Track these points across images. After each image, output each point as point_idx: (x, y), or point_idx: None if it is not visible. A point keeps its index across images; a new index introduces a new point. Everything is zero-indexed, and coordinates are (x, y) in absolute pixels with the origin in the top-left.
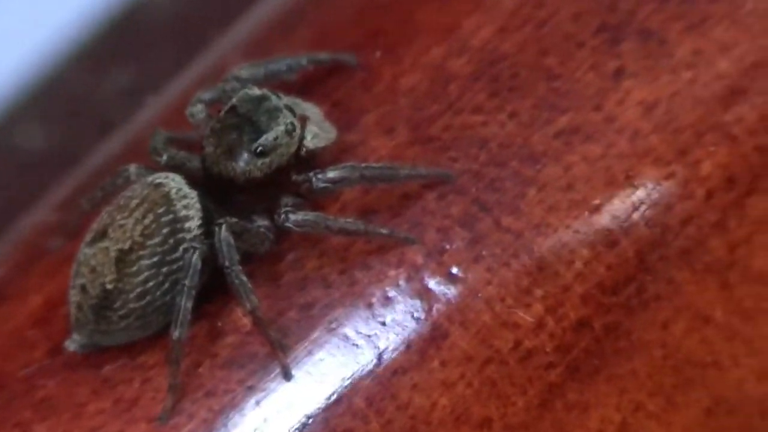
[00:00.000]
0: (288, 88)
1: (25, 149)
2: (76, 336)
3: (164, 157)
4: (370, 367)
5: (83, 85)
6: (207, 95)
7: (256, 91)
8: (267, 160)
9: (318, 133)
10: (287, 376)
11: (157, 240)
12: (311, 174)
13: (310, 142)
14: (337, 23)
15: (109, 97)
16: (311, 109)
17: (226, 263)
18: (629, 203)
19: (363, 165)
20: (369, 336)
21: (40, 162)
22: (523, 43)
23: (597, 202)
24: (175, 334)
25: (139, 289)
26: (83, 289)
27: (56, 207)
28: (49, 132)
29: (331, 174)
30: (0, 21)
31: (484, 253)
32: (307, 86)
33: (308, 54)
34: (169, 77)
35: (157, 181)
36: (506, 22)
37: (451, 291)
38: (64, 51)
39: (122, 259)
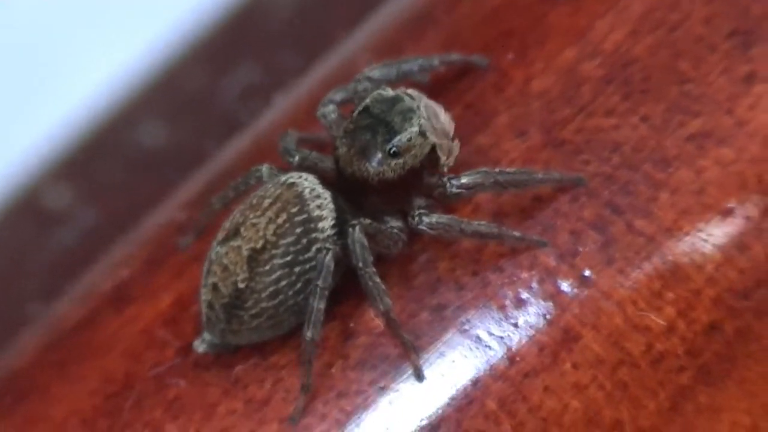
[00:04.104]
0: (419, 89)
1: (147, 147)
2: (206, 335)
3: (296, 158)
4: (502, 368)
5: (204, 82)
6: (339, 96)
7: (389, 92)
8: (400, 161)
9: (450, 146)
10: (420, 377)
11: (290, 239)
12: (445, 179)
13: (447, 161)
14: (467, 24)
15: (231, 94)
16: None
17: (360, 264)
18: (762, 207)
19: (497, 170)
20: (501, 338)
21: (162, 160)
22: (656, 47)
23: (729, 206)
24: (308, 334)
25: (271, 289)
26: (215, 287)
27: (183, 206)
28: (170, 130)
29: (465, 179)
30: (121, 18)
31: (616, 256)
32: (438, 87)
33: (440, 55)
34: (290, 74)
35: (291, 180)
36: (638, 25)
37: (583, 293)
38: (185, 47)
39: (255, 258)
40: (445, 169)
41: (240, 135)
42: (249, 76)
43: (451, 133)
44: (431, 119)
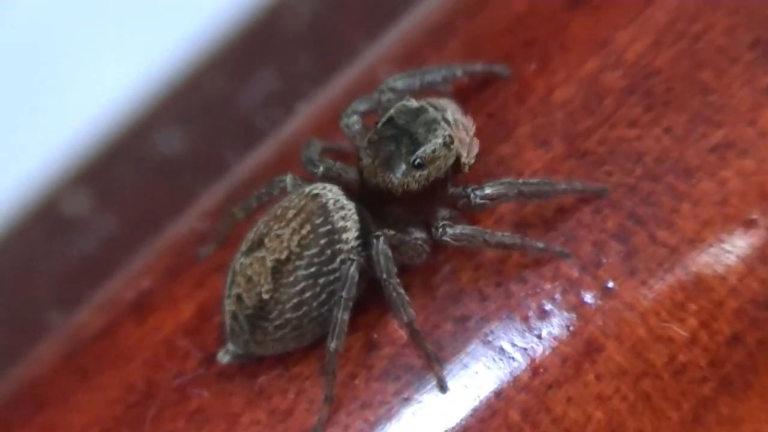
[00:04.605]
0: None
1: (166, 155)
2: (230, 346)
3: (320, 168)
4: (526, 380)
5: (224, 89)
6: (362, 106)
7: (413, 103)
8: (425, 172)
9: (470, 142)
10: (443, 388)
11: (314, 251)
12: (469, 189)
13: (468, 159)
14: (489, 34)
15: (250, 102)
16: (450, 106)
17: (384, 276)
18: None
19: (521, 181)
20: (525, 349)
21: (181, 168)
22: (678, 58)
23: (751, 217)
24: (332, 345)
25: (295, 300)
26: (239, 298)
27: (205, 215)
28: (189, 137)
29: (489, 190)
30: (141, 25)
31: (639, 267)
32: (460, 97)
33: (462, 65)
34: (309, 82)
35: (315, 191)
36: (660, 36)
37: (606, 305)
38: (205, 54)
39: (279, 269)
40: (467, 169)
41: (262, 144)
42: (268, 84)
43: (471, 130)
44: (453, 114)
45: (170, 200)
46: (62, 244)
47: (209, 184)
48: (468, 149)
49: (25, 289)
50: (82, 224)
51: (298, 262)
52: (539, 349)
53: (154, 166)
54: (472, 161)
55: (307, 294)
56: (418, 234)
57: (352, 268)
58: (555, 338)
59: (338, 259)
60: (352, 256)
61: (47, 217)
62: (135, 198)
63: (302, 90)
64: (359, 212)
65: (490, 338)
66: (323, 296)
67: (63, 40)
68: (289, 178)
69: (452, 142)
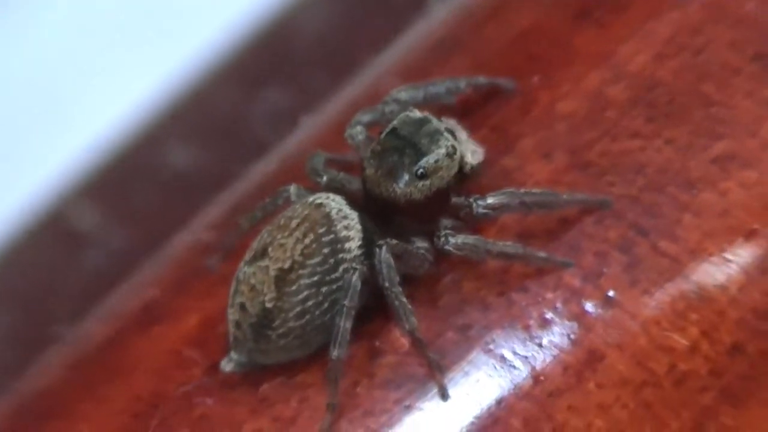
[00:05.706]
0: (445, 112)
1: (175, 169)
2: (234, 355)
3: (324, 179)
4: (527, 388)
5: (232, 104)
6: (366, 117)
7: (417, 114)
8: (427, 182)
9: (475, 149)
10: (444, 396)
11: (317, 260)
12: (471, 199)
13: (471, 159)
14: (494, 48)
15: (258, 116)
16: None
17: (387, 284)
18: None
19: (523, 191)
20: (526, 357)
21: (190, 181)
22: (680, 70)
23: (753, 227)
24: (335, 353)
25: (298, 308)
26: (242, 307)
27: (211, 226)
28: (198, 151)
29: (491, 200)
30: (150, 40)
31: (641, 277)
32: (464, 110)
33: (467, 77)
34: (317, 97)
35: (318, 201)
36: (663, 49)
37: (608, 314)
38: (213, 70)
39: (282, 278)
40: (469, 168)
41: (268, 156)
42: (277, 98)
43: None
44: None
45: (179, 214)
46: (72, 258)
47: (216, 197)
48: (470, 154)
49: (36, 303)
50: (92, 238)
51: (301, 271)
52: (540, 357)
53: (163, 181)
54: (475, 163)
55: (310, 303)
56: (421, 243)
57: (355, 277)
58: (556, 347)
59: (341, 268)
60: (354, 265)
61: (57, 231)
62: (145, 212)
63: (311, 105)
64: (362, 222)
65: (491, 347)
66: (326, 305)
67: (73, 55)
68: (293, 188)
69: (455, 153)
